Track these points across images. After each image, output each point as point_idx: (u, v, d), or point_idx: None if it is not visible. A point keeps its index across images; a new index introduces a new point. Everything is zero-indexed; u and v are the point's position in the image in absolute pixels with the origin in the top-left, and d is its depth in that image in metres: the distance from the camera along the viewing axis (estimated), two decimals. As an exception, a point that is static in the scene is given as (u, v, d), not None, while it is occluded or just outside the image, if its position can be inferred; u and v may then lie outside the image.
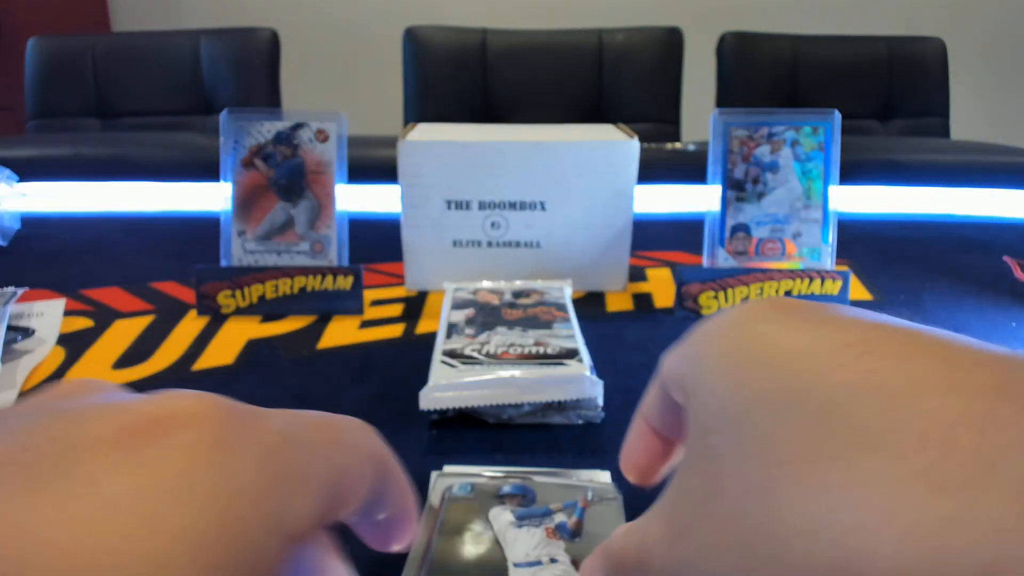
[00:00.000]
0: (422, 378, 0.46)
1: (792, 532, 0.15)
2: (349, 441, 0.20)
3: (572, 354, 0.48)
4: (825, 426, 0.15)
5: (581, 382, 0.45)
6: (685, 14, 2.32)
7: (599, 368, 0.51)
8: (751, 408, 0.17)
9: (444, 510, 0.36)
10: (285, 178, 0.65)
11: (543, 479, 0.39)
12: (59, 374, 0.54)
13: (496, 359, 0.48)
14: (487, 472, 0.40)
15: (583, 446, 0.45)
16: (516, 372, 0.46)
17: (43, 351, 0.58)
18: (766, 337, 0.18)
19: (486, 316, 0.55)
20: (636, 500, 0.40)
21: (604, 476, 0.40)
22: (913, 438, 0.14)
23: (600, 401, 0.47)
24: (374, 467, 0.20)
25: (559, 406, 0.46)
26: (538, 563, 0.32)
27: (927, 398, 0.14)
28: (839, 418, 0.15)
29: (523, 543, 0.34)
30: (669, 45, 1.88)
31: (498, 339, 0.51)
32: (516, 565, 0.32)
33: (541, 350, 0.49)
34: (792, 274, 0.63)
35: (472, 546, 0.33)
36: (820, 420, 0.15)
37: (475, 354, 0.48)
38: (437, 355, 0.49)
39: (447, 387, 0.45)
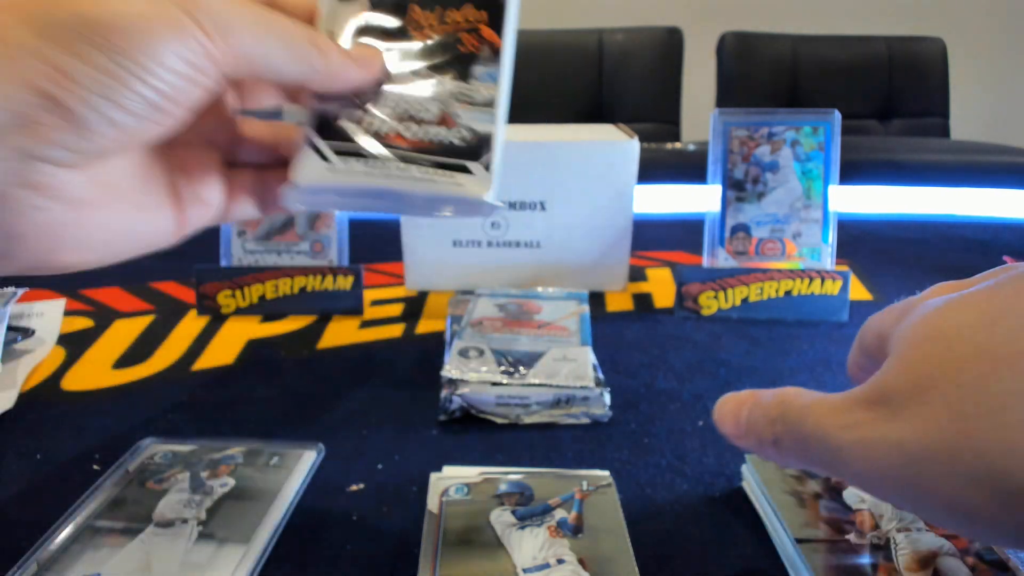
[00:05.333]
0: (422, 378, 0.46)
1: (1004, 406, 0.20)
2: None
3: (477, 151, 0.33)
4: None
5: (471, 207, 0.33)
6: (685, 14, 2.32)
7: (599, 368, 0.51)
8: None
9: (444, 517, 0.36)
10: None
11: (538, 475, 0.39)
12: (59, 374, 0.54)
13: (382, 142, 0.32)
14: (484, 472, 0.40)
15: (583, 446, 0.45)
16: (401, 180, 0.32)
17: (43, 351, 0.58)
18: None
19: (384, 29, 0.34)
20: (629, 486, 0.40)
21: (604, 477, 0.40)
22: None
23: (607, 400, 0.47)
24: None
25: (567, 404, 0.47)
26: (546, 566, 0.32)
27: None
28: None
29: (528, 546, 0.34)
30: (669, 45, 1.88)
31: (393, 104, 0.33)
32: (525, 571, 0.32)
33: (442, 137, 0.33)
34: (792, 274, 0.63)
35: (479, 554, 0.33)
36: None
37: (356, 134, 0.32)
38: (305, 128, 0.33)
39: (319, 189, 0.32)
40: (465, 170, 0.32)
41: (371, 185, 0.32)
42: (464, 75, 0.33)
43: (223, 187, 0.33)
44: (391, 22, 0.33)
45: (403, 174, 0.32)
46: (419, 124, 0.33)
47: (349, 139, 0.32)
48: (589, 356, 0.51)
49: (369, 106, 0.33)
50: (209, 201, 0.32)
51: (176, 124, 0.27)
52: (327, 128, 0.32)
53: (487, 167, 0.33)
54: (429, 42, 0.33)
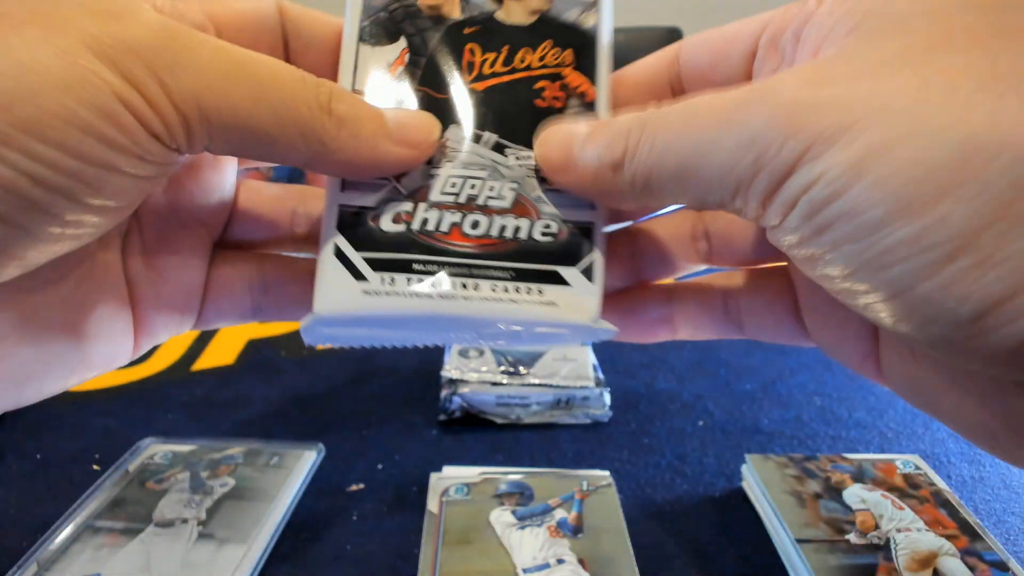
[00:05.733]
0: (423, 378, 0.46)
1: None
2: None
3: (573, 251, 0.23)
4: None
5: (570, 333, 0.23)
6: (685, 14, 2.32)
7: (599, 368, 0.51)
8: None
9: (444, 517, 0.36)
10: (285, 177, 0.65)
11: (538, 475, 0.39)
12: (59, 374, 0.54)
13: (436, 244, 0.23)
14: (484, 472, 0.40)
15: (583, 446, 0.45)
16: (467, 303, 0.22)
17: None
18: None
19: (431, 69, 0.24)
20: (629, 486, 0.40)
21: (604, 477, 0.40)
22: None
23: (607, 400, 0.47)
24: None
25: (567, 404, 0.47)
26: (546, 566, 0.32)
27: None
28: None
29: (528, 546, 0.34)
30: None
31: (449, 188, 0.23)
32: (525, 571, 0.32)
33: (520, 233, 0.23)
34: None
35: (479, 555, 0.33)
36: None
37: (400, 235, 0.23)
38: (330, 230, 0.23)
39: (351, 319, 0.23)
40: (558, 280, 0.23)
41: (425, 312, 0.22)
42: None
43: (204, 282, 0.24)
44: (441, 70, 0.24)
45: (470, 293, 0.23)
46: (487, 214, 0.23)
47: (390, 244, 0.23)
48: (589, 356, 0.51)
49: (417, 192, 0.23)
50: (183, 303, 0.24)
51: (105, 228, 0.19)
52: (358, 228, 0.23)
53: (588, 275, 0.23)
54: (494, 96, 0.24)
